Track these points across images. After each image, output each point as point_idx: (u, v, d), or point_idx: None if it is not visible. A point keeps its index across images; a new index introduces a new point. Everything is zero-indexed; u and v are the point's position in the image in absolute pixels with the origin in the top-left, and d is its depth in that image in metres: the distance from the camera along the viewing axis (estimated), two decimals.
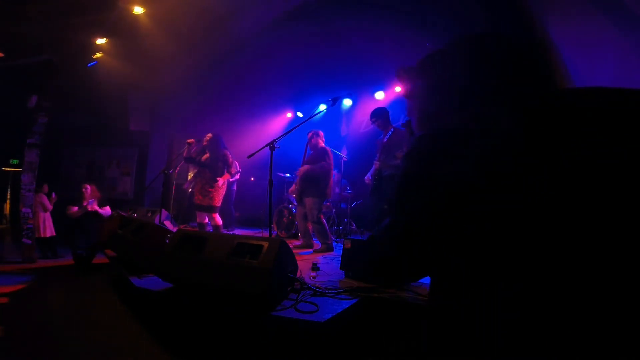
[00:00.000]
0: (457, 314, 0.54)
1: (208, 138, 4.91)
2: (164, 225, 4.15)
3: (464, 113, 0.63)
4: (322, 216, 4.64)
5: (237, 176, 6.58)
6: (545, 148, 0.50)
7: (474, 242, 0.52)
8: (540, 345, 0.45)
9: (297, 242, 4.87)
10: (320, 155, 4.61)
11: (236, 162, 6.55)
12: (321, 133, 4.81)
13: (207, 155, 4.87)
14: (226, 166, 4.88)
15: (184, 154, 4.93)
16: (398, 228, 0.64)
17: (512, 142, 0.52)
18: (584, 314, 0.43)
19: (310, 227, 4.69)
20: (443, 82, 0.71)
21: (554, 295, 0.45)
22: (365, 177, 4.45)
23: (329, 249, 4.38)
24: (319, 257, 3.97)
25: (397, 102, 6.75)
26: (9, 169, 7.07)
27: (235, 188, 6.69)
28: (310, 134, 4.79)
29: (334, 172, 6.20)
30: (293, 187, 5.07)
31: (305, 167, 4.57)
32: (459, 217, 0.54)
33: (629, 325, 0.42)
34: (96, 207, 5.69)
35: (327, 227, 4.59)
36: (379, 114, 3.89)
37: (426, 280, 0.89)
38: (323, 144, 4.74)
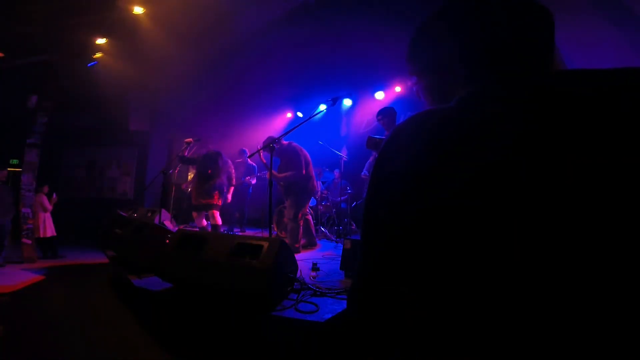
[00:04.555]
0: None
1: (211, 155, 4.85)
2: (164, 225, 4.15)
3: (465, 93, 0.51)
4: (309, 216, 4.63)
5: (254, 181, 6.55)
6: (562, 141, 0.40)
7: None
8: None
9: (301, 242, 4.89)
10: (289, 157, 4.35)
11: (255, 165, 6.55)
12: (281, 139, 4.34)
13: (209, 170, 4.82)
14: (229, 182, 5.02)
15: (180, 154, 4.93)
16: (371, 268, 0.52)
17: (516, 134, 0.42)
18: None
19: (314, 226, 4.72)
20: (440, 58, 0.59)
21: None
22: (362, 173, 4.44)
23: (294, 251, 4.23)
24: (319, 257, 3.97)
25: (397, 102, 6.75)
26: (9, 169, 7.07)
27: (250, 191, 6.66)
28: (274, 145, 4.08)
29: (336, 172, 6.21)
30: None
31: (275, 175, 4.20)
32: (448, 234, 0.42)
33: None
34: None
35: (302, 231, 4.44)
36: (387, 113, 3.86)
37: None
38: (286, 143, 4.41)
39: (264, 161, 4.11)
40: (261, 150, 3.84)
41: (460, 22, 0.56)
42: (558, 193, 0.39)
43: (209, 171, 4.75)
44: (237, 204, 6.37)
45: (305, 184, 4.41)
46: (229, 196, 5.16)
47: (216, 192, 4.74)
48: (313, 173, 4.56)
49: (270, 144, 3.33)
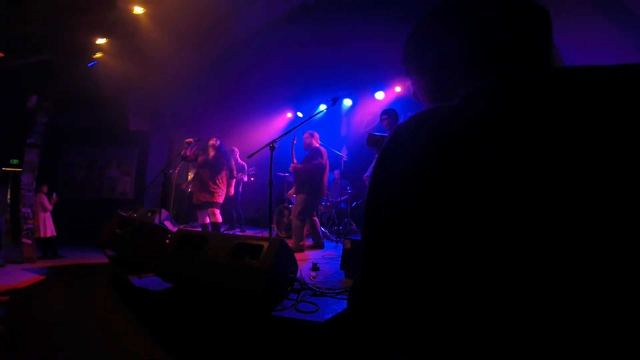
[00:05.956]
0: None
1: (213, 143, 4.95)
2: (164, 225, 4.15)
3: (464, 90, 0.50)
4: (315, 217, 4.69)
5: (245, 178, 6.61)
6: (557, 141, 0.39)
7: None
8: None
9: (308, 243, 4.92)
10: (313, 154, 4.65)
11: (244, 164, 6.61)
12: (316, 135, 4.86)
13: (210, 157, 4.89)
14: (231, 173, 5.08)
15: (182, 153, 4.97)
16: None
17: (510, 134, 0.41)
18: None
19: (318, 225, 4.76)
20: (439, 58, 0.58)
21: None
22: (364, 176, 4.44)
23: (298, 249, 4.33)
24: (319, 257, 3.97)
25: (397, 102, 6.75)
26: (9, 169, 7.07)
27: (240, 190, 6.74)
28: (306, 135, 4.83)
29: (336, 172, 6.21)
30: (292, 190, 5.11)
31: (297, 166, 4.63)
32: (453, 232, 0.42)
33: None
34: None
35: (308, 232, 4.60)
36: (391, 113, 3.93)
37: None
38: (317, 145, 4.79)
39: (294, 156, 4.79)
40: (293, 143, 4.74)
41: (460, 22, 0.56)
42: (558, 193, 0.39)
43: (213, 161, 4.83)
44: (231, 204, 6.41)
45: (320, 185, 4.55)
46: (232, 189, 5.23)
47: (217, 185, 4.77)
48: (327, 181, 4.73)
49: (271, 144, 3.32)
